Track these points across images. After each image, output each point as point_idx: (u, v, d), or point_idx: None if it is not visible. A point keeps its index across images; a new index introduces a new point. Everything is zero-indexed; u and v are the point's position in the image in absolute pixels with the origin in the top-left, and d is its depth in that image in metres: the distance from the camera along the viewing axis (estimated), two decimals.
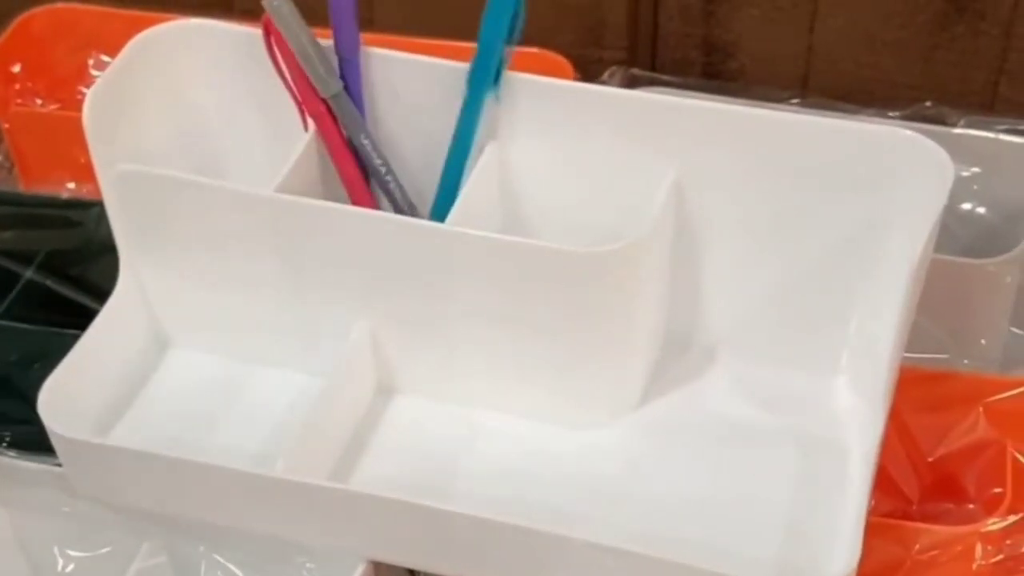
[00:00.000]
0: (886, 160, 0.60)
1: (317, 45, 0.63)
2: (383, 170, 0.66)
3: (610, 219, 0.64)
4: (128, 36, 0.65)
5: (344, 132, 0.65)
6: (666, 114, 0.62)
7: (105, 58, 0.87)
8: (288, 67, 0.64)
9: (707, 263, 0.65)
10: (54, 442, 0.62)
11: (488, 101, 0.63)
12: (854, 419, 0.64)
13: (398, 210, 0.66)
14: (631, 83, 0.84)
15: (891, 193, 0.61)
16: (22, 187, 0.84)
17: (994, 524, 0.62)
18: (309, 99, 0.64)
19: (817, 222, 0.63)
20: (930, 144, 0.59)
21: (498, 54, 0.62)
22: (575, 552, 0.56)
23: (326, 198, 0.64)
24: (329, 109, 0.65)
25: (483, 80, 0.63)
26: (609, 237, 0.59)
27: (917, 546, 0.62)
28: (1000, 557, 0.62)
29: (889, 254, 0.61)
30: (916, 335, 0.63)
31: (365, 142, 0.65)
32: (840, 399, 0.65)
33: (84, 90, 0.84)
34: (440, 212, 0.64)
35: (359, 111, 0.65)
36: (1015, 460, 0.66)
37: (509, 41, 0.62)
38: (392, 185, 0.66)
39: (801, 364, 0.66)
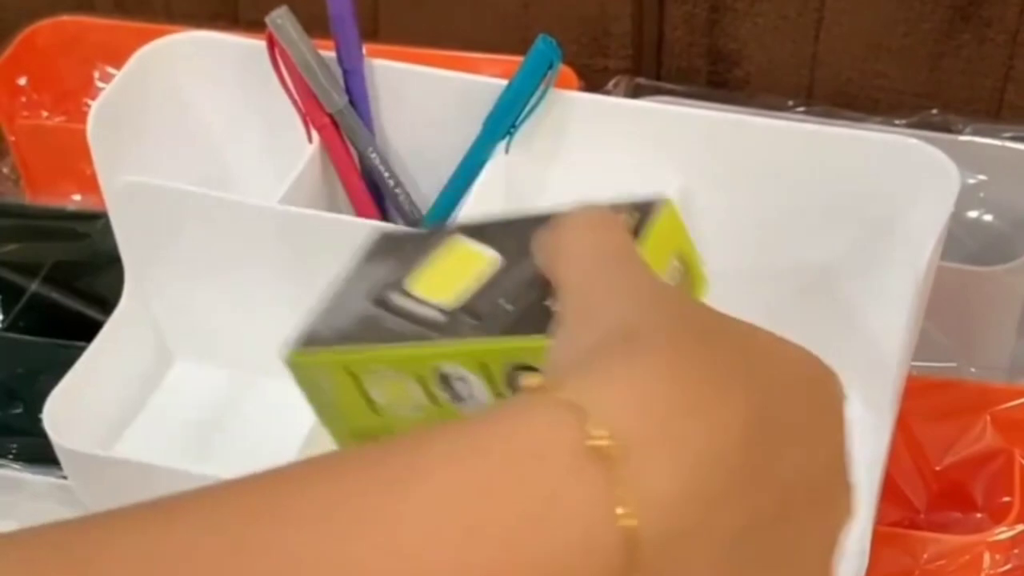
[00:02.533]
0: (892, 169, 0.60)
1: (321, 60, 0.63)
2: (392, 182, 0.66)
3: None
4: (134, 48, 0.66)
5: (350, 144, 0.65)
6: (671, 123, 0.62)
7: (111, 70, 0.87)
8: (292, 80, 0.64)
9: (711, 272, 0.65)
10: (59, 454, 0.61)
11: (498, 146, 0.63)
12: (861, 428, 0.63)
13: (408, 221, 0.66)
14: (636, 92, 0.84)
15: (897, 201, 0.60)
16: (28, 199, 0.84)
17: (1002, 533, 0.62)
18: (314, 112, 0.64)
19: (823, 230, 0.62)
20: (936, 153, 0.59)
21: (521, 105, 0.62)
22: None
23: (331, 209, 0.65)
24: (335, 122, 0.65)
25: (500, 128, 0.63)
26: None
27: (925, 555, 0.62)
28: (1008, 567, 0.62)
29: (896, 262, 0.61)
30: (923, 343, 0.63)
31: (373, 155, 0.65)
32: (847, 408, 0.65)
33: (90, 102, 0.84)
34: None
35: (366, 122, 0.65)
36: (1023, 469, 0.65)
37: (535, 92, 0.62)
38: (402, 197, 0.66)
39: None
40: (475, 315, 0.42)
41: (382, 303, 0.45)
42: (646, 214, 0.43)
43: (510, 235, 0.44)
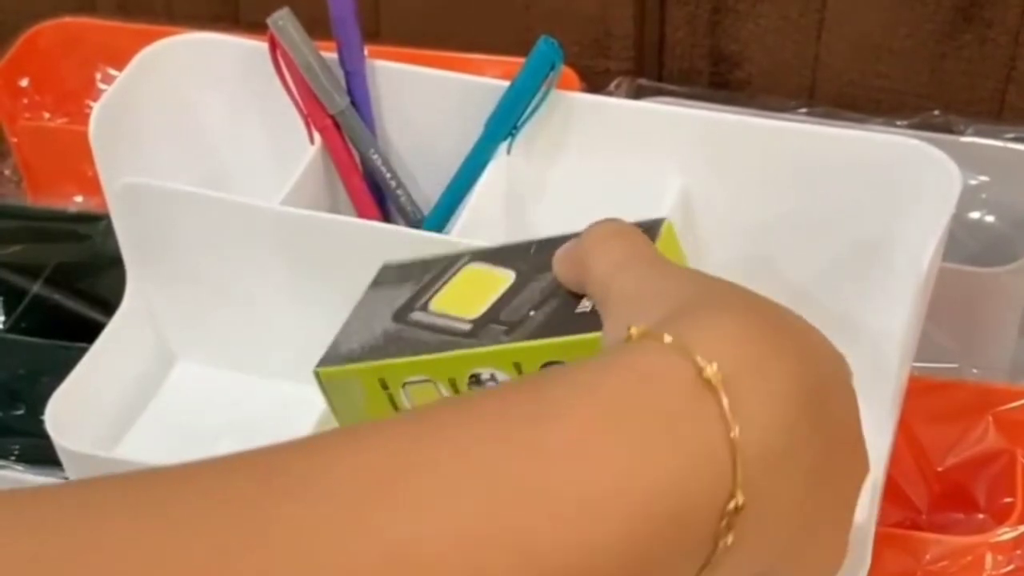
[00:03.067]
0: (893, 170, 0.60)
1: (323, 61, 0.63)
2: (393, 183, 0.66)
3: None
4: (135, 50, 0.66)
5: (351, 146, 0.65)
6: (673, 125, 0.62)
7: (113, 72, 0.87)
8: (294, 81, 0.64)
9: (712, 272, 0.65)
10: (61, 456, 0.62)
11: (500, 148, 0.63)
12: (863, 429, 0.63)
13: (409, 222, 0.66)
14: (638, 93, 0.84)
15: (899, 202, 0.60)
16: (30, 201, 0.85)
17: (1004, 534, 0.62)
18: (316, 113, 0.64)
19: (824, 231, 0.62)
20: (937, 153, 0.59)
21: (523, 106, 0.62)
22: None
23: (332, 210, 0.65)
24: (336, 123, 0.65)
25: (501, 129, 0.63)
26: None
27: (927, 556, 0.62)
28: (1011, 567, 0.62)
29: (897, 264, 0.61)
30: (925, 344, 0.63)
31: (374, 156, 0.65)
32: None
33: (92, 104, 0.84)
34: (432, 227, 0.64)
35: (367, 123, 0.65)
36: None
37: (537, 93, 0.62)
38: (403, 198, 0.66)
39: None
40: (503, 323, 0.47)
41: (407, 320, 0.49)
42: (650, 232, 0.47)
43: (519, 257, 0.49)
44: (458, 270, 0.50)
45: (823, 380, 0.38)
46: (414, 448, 0.33)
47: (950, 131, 0.80)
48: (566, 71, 0.68)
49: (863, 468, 0.40)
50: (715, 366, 0.35)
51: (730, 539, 0.34)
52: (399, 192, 0.66)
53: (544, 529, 0.32)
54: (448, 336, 0.47)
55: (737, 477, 0.34)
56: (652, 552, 0.33)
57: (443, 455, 0.33)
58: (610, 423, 0.34)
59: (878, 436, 0.61)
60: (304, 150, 0.65)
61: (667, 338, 0.36)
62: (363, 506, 0.31)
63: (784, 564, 0.37)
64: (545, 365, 0.45)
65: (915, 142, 0.60)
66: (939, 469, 0.69)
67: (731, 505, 0.34)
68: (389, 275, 0.53)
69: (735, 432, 0.34)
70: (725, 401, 0.34)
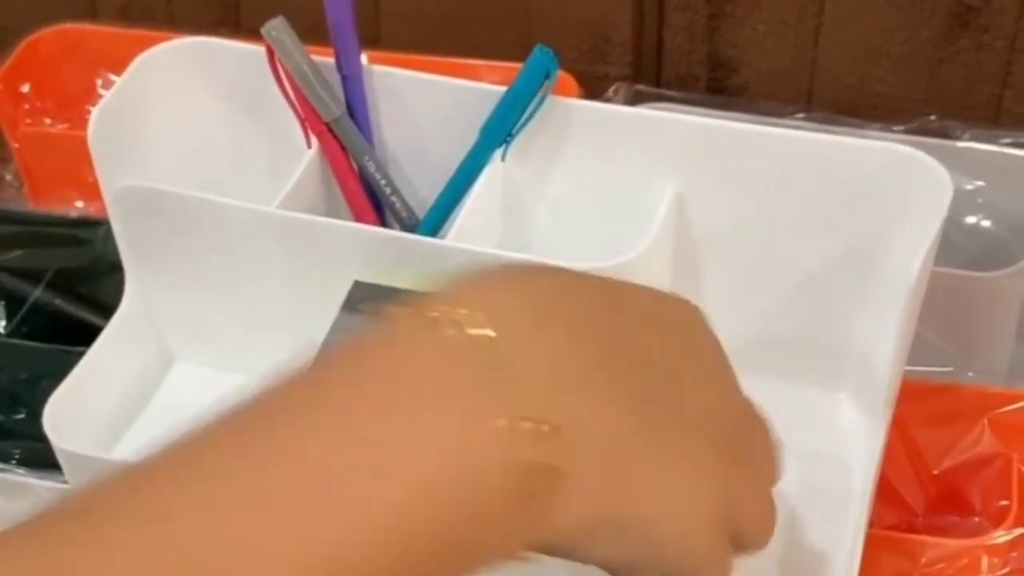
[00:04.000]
0: (885, 176, 0.60)
1: (317, 70, 0.64)
2: (388, 190, 0.66)
3: (611, 234, 0.64)
4: (136, 56, 0.66)
5: (347, 151, 0.66)
6: (667, 130, 0.63)
7: (114, 78, 0.87)
8: (291, 86, 0.64)
9: (707, 278, 0.65)
10: (59, 457, 0.62)
11: (495, 154, 0.63)
12: (855, 433, 0.64)
13: (404, 227, 0.66)
14: (636, 99, 0.84)
15: (890, 209, 0.61)
16: (31, 206, 0.85)
17: (1000, 537, 0.62)
18: (312, 118, 0.65)
19: (817, 238, 0.63)
20: (928, 160, 0.59)
21: (518, 114, 0.63)
22: None
23: (329, 214, 0.65)
24: (331, 130, 0.65)
25: (496, 136, 0.63)
26: (610, 252, 0.60)
27: (923, 559, 0.62)
28: (1006, 570, 0.62)
29: (888, 269, 0.61)
30: (921, 348, 0.63)
31: (369, 163, 0.65)
32: (841, 414, 0.65)
33: (93, 110, 0.85)
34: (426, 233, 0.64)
35: (364, 128, 0.66)
36: (1021, 473, 0.65)
37: (532, 100, 0.63)
38: (398, 204, 0.66)
39: (802, 379, 0.66)
40: None
41: None
42: None
43: None
44: None
45: (611, 311, 0.39)
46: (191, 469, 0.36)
47: (947, 136, 0.80)
48: (564, 76, 0.68)
49: (735, 409, 0.41)
50: (451, 309, 0.36)
51: (556, 461, 0.35)
52: (394, 199, 0.66)
53: (366, 494, 0.34)
54: None
55: (516, 399, 0.35)
56: (469, 485, 0.35)
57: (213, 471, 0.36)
58: (374, 388, 0.36)
59: (870, 439, 0.61)
60: (301, 153, 0.65)
61: (408, 307, 0.38)
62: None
63: (644, 499, 0.38)
64: None
65: (907, 149, 0.60)
66: (935, 472, 0.69)
67: (542, 428, 0.35)
68: (362, 299, 0.55)
69: (492, 353, 0.36)
70: (471, 330, 0.36)
